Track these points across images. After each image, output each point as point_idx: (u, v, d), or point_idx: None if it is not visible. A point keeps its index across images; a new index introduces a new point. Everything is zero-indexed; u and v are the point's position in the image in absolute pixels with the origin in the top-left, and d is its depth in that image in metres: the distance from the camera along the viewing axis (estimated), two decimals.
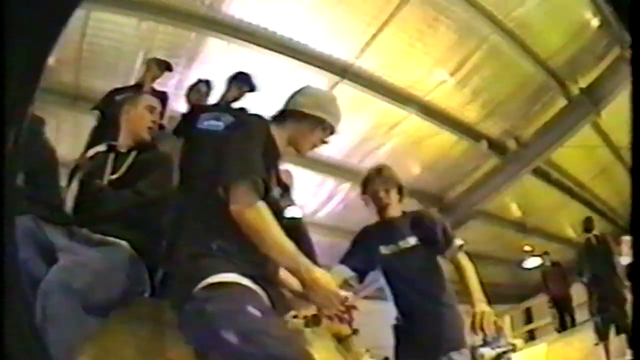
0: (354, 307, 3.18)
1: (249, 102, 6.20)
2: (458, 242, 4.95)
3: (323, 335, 4.65)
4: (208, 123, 5.62)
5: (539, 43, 10.65)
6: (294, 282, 3.23)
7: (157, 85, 6.68)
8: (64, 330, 2.83)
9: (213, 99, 6.51)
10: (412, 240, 4.94)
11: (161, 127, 6.08)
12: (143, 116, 4.23)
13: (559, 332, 15.53)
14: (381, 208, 5.09)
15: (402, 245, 4.96)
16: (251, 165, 2.91)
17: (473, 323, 4.63)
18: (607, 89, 11.28)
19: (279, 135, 3.25)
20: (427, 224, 5.01)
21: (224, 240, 2.89)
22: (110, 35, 8.42)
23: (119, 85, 7.00)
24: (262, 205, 2.86)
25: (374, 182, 5.09)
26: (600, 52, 10.93)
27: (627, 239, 11.65)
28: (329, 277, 2.98)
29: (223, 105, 6.04)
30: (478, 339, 4.89)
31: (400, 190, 5.14)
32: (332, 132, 3.46)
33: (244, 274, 2.79)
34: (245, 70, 6.67)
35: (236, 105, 6.26)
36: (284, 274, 3.32)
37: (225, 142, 3.11)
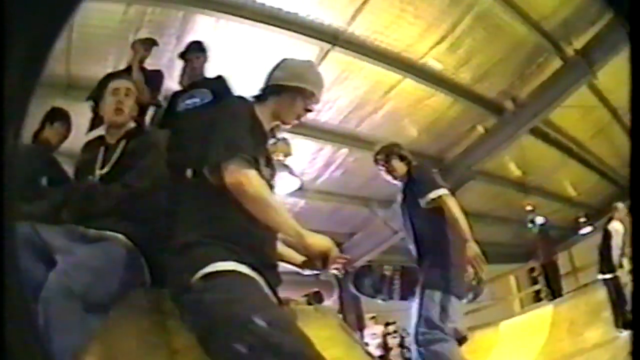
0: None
1: (243, 76, 6.16)
2: (435, 193, 5.60)
3: (326, 312, 4.67)
4: (184, 104, 5.61)
5: (531, 5, 10.54)
6: (296, 256, 3.38)
7: (150, 66, 6.61)
8: (69, 336, 2.81)
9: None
10: (399, 197, 6.11)
11: (157, 105, 6.08)
12: (109, 102, 4.10)
13: (550, 300, 15.62)
14: (392, 177, 6.16)
15: (399, 200, 6.11)
16: (238, 144, 2.91)
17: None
18: (603, 51, 11.12)
19: (263, 113, 3.30)
20: (413, 178, 5.98)
21: (219, 227, 2.91)
22: (98, 23, 8.35)
23: (110, 70, 6.97)
24: (256, 174, 2.88)
25: (376, 160, 6.23)
26: (594, 13, 10.82)
27: (621, 206, 11.79)
28: (324, 240, 3.05)
29: (198, 81, 6.00)
30: None
31: (402, 158, 6.15)
32: (315, 100, 3.48)
33: (241, 261, 2.79)
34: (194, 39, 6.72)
35: (209, 75, 6.21)
36: (285, 249, 3.40)
37: (210, 126, 3.11)
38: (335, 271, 3.32)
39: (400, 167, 6.14)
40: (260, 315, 2.55)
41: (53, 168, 4.80)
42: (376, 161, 6.28)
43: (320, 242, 3.02)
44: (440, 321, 5.28)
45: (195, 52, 6.36)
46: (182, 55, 6.44)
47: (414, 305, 5.50)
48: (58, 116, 5.59)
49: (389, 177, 6.23)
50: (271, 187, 3.25)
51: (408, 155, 6.25)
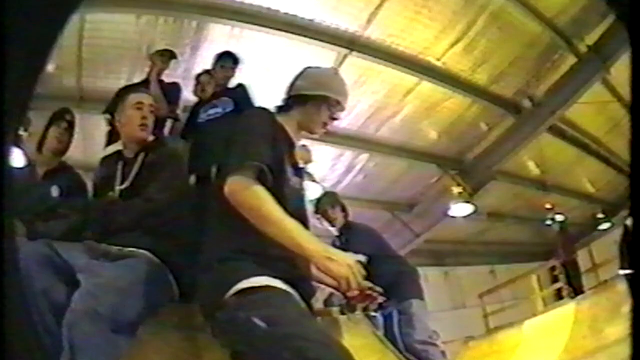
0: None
1: (260, 84, 6.14)
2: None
3: (359, 321, 4.63)
4: (206, 114, 5.58)
5: (543, 2, 10.52)
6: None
7: (166, 77, 6.50)
8: (97, 358, 2.75)
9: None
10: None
11: (176, 118, 6.04)
12: (131, 116, 3.95)
13: (572, 297, 15.54)
14: (331, 225, 6.52)
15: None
16: (251, 153, 2.81)
17: None
18: (614, 45, 11.03)
19: (288, 123, 3.20)
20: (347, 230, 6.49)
21: (248, 240, 2.77)
22: (109, 35, 8.36)
23: (124, 82, 6.93)
24: (257, 186, 2.72)
25: (320, 210, 6.58)
26: (604, 8, 10.79)
27: None
28: (343, 263, 2.66)
29: (219, 91, 5.96)
30: None
31: (343, 208, 6.70)
32: (340, 107, 3.36)
33: (274, 275, 2.68)
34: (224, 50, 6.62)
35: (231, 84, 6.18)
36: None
37: (228, 138, 3.03)
38: (356, 302, 3.20)
39: (340, 217, 6.67)
40: (298, 330, 2.48)
41: (63, 177, 4.67)
42: (319, 210, 6.65)
43: (336, 264, 2.65)
44: (422, 329, 5.58)
45: (223, 62, 6.32)
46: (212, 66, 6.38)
47: (394, 320, 5.69)
48: (59, 119, 5.10)
49: (327, 225, 6.56)
50: (302, 194, 3.20)
51: (345, 206, 6.85)
